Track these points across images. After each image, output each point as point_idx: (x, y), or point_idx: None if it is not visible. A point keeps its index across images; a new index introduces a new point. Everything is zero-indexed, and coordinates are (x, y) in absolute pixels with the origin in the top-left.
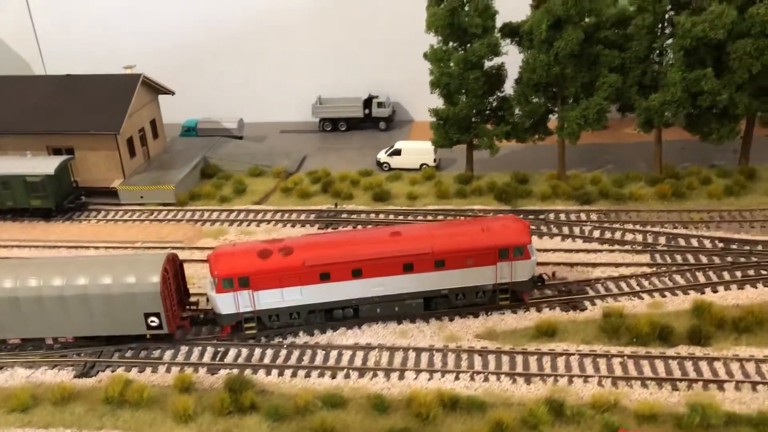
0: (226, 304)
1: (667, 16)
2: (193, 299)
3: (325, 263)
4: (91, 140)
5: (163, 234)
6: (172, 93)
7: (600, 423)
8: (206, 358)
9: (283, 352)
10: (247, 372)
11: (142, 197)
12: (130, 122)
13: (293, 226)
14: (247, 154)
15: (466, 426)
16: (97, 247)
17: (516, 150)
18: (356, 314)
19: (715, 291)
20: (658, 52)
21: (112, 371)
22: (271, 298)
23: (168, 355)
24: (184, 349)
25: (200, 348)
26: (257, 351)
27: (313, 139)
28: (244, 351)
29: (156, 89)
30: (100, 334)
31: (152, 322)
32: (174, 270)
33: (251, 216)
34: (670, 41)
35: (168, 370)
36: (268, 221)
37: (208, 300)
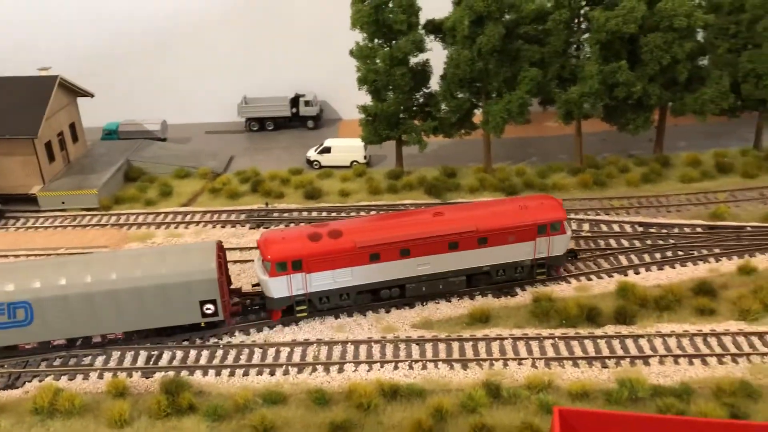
0: (279, 287)
1: (582, 11)
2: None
3: (376, 244)
4: (7, 145)
5: (87, 240)
6: (92, 95)
7: (535, 403)
8: (140, 362)
9: (220, 352)
10: (184, 374)
11: (63, 203)
12: (47, 125)
13: (223, 226)
14: (172, 156)
15: (407, 413)
16: (17, 255)
17: (444, 145)
18: (402, 293)
19: (637, 273)
20: (575, 46)
21: (40, 381)
22: (322, 280)
23: (99, 361)
24: (116, 354)
25: (133, 353)
26: (192, 353)
27: (239, 140)
28: (179, 353)
29: (74, 91)
30: (153, 326)
31: (207, 309)
32: (224, 257)
33: (179, 218)
34: (586, 36)
35: (100, 377)
36: (197, 223)
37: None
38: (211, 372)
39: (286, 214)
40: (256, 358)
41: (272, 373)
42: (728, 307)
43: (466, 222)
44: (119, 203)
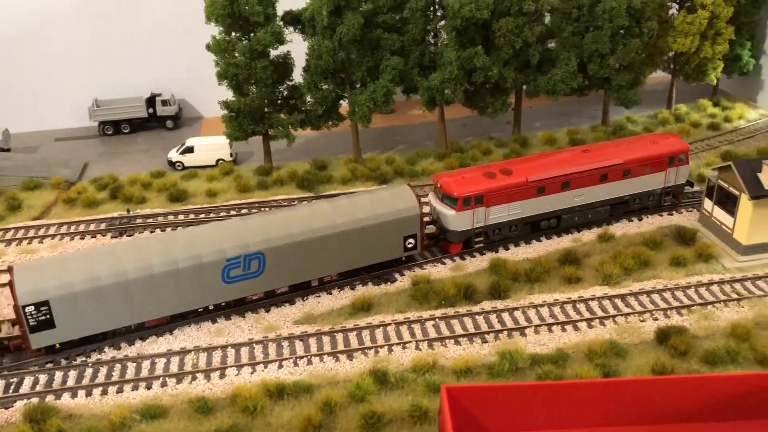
0: (463, 221)
1: None
2: None
3: (544, 179)
4: None
5: None
6: None
7: (422, 384)
8: None
9: (89, 371)
10: (50, 398)
11: None
12: None
13: (82, 238)
14: (18, 167)
15: (296, 411)
16: None
17: (312, 138)
18: (558, 223)
19: (507, 249)
20: (433, 33)
21: None
22: (499, 213)
23: None
24: None
25: None
26: (58, 374)
27: (93, 145)
28: (42, 377)
29: None
30: (365, 264)
31: (409, 243)
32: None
33: (32, 233)
34: (443, 23)
35: None
36: (53, 236)
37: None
38: (81, 393)
39: (150, 220)
40: (130, 373)
41: (149, 387)
42: (592, 273)
43: (614, 156)
44: None
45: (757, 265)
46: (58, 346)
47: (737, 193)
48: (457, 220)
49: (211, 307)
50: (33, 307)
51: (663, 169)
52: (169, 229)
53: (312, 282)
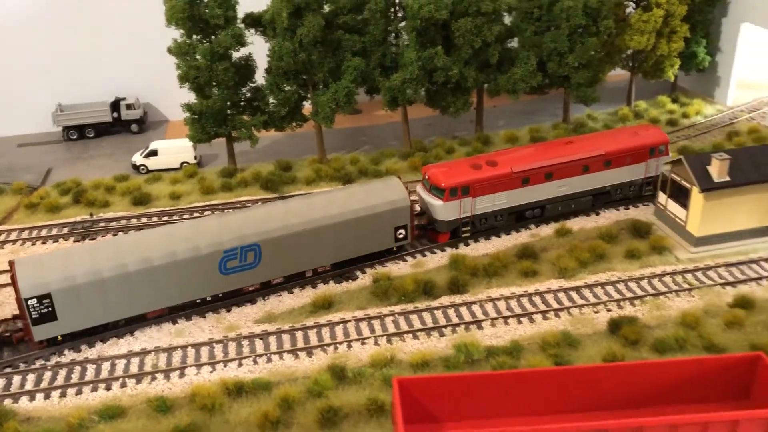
0: (450, 211)
1: (398, 0)
2: None
3: (528, 169)
4: None
5: None
6: None
7: (380, 378)
8: None
9: (48, 374)
10: (7, 402)
11: None
12: None
13: (44, 242)
14: None
15: (254, 407)
16: None
17: (277, 139)
18: (542, 213)
19: (467, 245)
20: (394, 34)
21: None
22: (485, 203)
23: None
24: None
25: None
26: (16, 378)
27: (57, 150)
28: (0, 381)
29: None
30: (356, 255)
31: (400, 234)
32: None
33: None
34: (403, 24)
35: None
36: (14, 241)
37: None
38: (39, 396)
39: (113, 223)
40: (90, 375)
41: (108, 388)
42: (549, 267)
43: (596, 147)
44: None
45: (708, 256)
46: (60, 338)
47: (689, 186)
48: (445, 210)
49: (208, 299)
50: (35, 299)
51: (644, 160)
52: (132, 232)
53: (306, 273)
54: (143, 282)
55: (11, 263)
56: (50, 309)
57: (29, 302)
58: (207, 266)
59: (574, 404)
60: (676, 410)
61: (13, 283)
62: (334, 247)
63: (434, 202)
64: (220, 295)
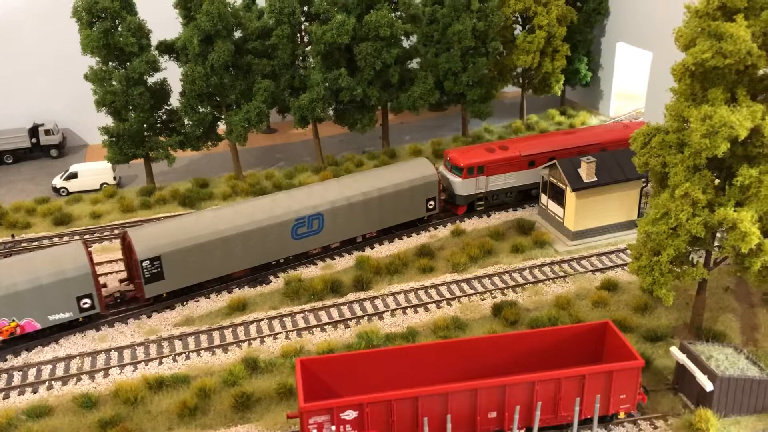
0: (467, 187)
1: (303, 26)
2: None
3: (534, 153)
4: None
5: None
6: None
7: (289, 366)
8: None
9: None
10: None
11: None
12: None
13: None
14: None
15: (174, 399)
16: None
17: (195, 159)
18: None
19: (372, 248)
20: (301, 57)
21: None
22: (497, 182)
23: None
24: None
25: None
26: None
27: None
28: None
29: None
30: (396, 223)
31: (430, 205)
32: None
33: None
34: (309, 48)
35: None
36: None
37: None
38: None
39: (35, 243)
40: (17, 380)
41: (35, 391)
42: (444, 263)
43: (592, 137)
44: None
45: (582, 247)
46: (165, 295)
47: (563, 186)
48: (463, 186)
49: (282, 261)
50: (148, 261)
51: None
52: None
53: (357, 238)
54: (233, 246)
55: (124, 233)
56: (159, 269)
57: (143, 263)
58: (283, 232)
59: (455, 373)
60: (543, 374)
61: (129, 249)
62: (379, 216)
63: (454, 179)
64: (291, 258)
